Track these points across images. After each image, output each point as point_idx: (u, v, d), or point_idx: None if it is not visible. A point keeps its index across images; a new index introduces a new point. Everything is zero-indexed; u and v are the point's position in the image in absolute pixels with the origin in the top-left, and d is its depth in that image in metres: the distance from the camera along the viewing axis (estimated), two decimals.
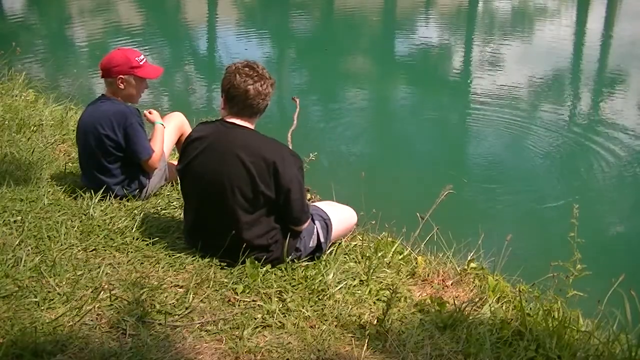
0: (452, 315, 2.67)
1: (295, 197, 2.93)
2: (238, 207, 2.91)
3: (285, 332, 2.53)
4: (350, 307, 2.73)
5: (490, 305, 2.83)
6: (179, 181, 3.25)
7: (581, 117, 8.40)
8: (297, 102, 4.54)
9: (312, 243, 3.10)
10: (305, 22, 14.58)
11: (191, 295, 2.69)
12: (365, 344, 2.48)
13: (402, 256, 3.27)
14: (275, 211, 2.96)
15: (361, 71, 10.43)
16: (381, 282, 2.99)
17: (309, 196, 3.76)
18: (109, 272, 2.84)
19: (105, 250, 3.05)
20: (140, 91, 3.74)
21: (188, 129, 3.93)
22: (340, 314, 2.67)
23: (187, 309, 2.61)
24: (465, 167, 6.17)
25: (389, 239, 3.40)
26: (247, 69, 2.94)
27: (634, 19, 14.39)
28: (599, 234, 5.16)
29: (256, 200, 2.90)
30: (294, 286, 2.85)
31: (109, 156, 3.58)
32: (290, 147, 3.76)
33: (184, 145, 3.15)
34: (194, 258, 3.01)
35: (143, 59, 3.69)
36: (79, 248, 3.03)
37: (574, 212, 2.85)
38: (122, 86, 3.63)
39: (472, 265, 3.25)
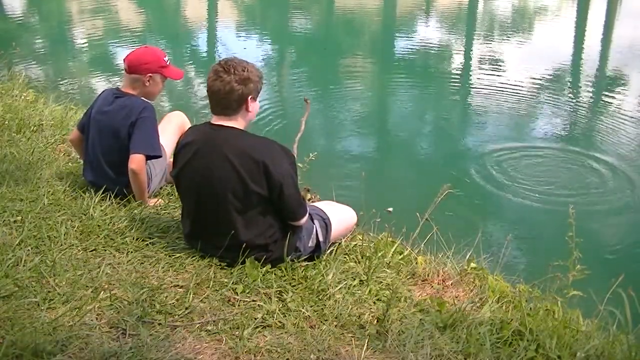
0: (452, 315, 2.67)
1: (289, 192, 2.91)
2: (232, 209, 2.90)
3: (285, 332, 2.52)
4: (350, 307, 2.72)
5: (490, 305, 2.83)
6: None
7: (581, 116, 8.40)
8: (309, 104, 4.23)
9: (312, 243, 3.10)
10: (305, 22, 14.59)
11: (191, 295, 2.68)
12: (365, 344, 2.48)
13: (402, 256, 3.27)
14: (271, 209, 2.95)
15: (361, 71, 10.43)
16: (381, 282, 2.99)
17: (309, 196, 3.76)
18: (109, 272, 2.84)
19: (105, 250, 3.05)
20: (161, 90, 3.77)
21: None
22: (340, 314, 2.67)
23: (187, 309, 2.61)
24: (465, 167, 6.17)
25: (389, 239, 3.39)
26: (216, 66, 2.93)
27: (634, 19, 14.39)
28: (599, 234, 5.17)
29: (249, 200, 2.89)
30: (294, 286, 2.85)
31: (124, 152, 3.53)
32: (295, 152, 3.74)
33: (175, 152, 3.14)
34: (194, 258, 3.01)
35: (168, 60, 3.71)
36: (79, 248, 3.03)
37: (570, 213, 2.85)
38: (148, 84, 3.64)
39: (472, 265, 3.25)
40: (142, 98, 3.65)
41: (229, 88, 2.88)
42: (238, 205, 2.90)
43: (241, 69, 2.90)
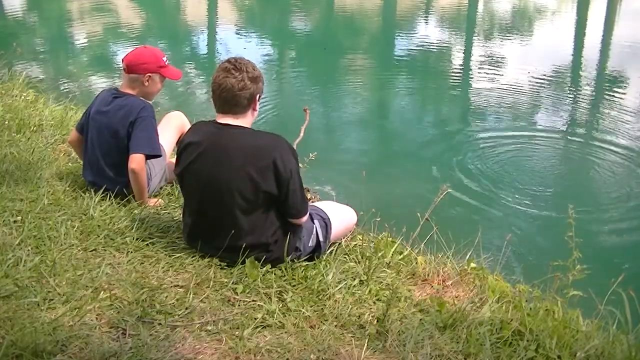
0: (452, 315, 2.67)
1: (295, 187, 2.92)
2: (238, 209, 2.90)
3: (285, 332, 2.53)
4: (350, 307, 2.72)
5: (490, 305, 2.83)
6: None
7: (581, 117, 8.41)
8: (308, 113, 4.29)
9: (312, 242, 3.10)
10: (305, 22, 14.59)
11: (191, 295, 2.68)
12: (365, 344, 2.48)
13: (402, 256, 3.27)
14: (274, 209, 2.95)
15: (361, 70, 10.43)
16: (381, 282, 2.99)
17: (308, 196, 3.76)
18: (109, 272, 2.84)
19: (105, 250, 3.05)
20: (160, 90, 3.77)
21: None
22: (340, 314, 2.67)
23: (187, 309, 2.61)
24: (465, 167, 6.17)
25: (389, 239, 3.39)
26: (226, 64, 2.92)
27: (634, 19, 14.40)
28: (599, 234, 5.16)
29: (257, 199, 2.89)
30: (294, 286, 2.85)
31: (123, 152, 3.53)
32: None
33: (179, 150, 3.13)
34: (194, 258, 3.01)
35: (167, 60, 3.71)
36: (79, 248, 3.03)
37: (570, 212, 2.85)
38: (147, 84, 3.64)
39: (472, 265, 3.25)
40: (141, 98, 3.64)
41: (242, 85, 2.87)
42: (244, 206, 2.89)
43: (251, 68, 2.93)
